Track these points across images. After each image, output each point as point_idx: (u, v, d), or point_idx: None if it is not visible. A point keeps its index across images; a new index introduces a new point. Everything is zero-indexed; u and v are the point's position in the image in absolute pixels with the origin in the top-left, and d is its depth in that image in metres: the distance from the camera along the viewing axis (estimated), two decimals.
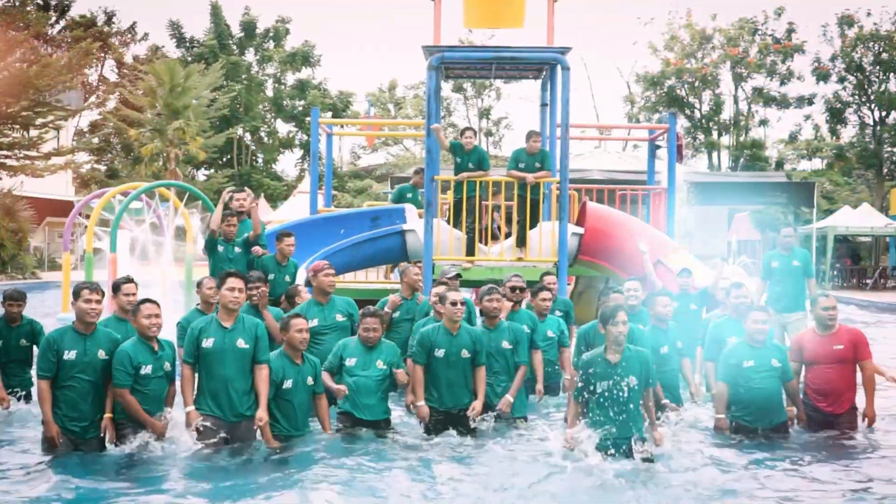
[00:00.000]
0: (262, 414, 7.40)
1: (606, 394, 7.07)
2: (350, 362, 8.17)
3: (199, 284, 9.64)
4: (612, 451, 7.02)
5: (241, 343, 7.51)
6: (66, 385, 7.17)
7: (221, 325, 7.55)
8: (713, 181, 32.35)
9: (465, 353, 8.15)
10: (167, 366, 7.49)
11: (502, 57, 12.97)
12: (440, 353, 8.14)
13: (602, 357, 7.18)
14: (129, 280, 8.38)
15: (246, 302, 9.06)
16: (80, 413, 7.24)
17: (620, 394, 7.07)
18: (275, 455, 7.32)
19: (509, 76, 15.86)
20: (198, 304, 9.57)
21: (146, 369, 7.29)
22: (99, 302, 7.36)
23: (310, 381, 7.82)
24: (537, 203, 12.64)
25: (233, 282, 7.63)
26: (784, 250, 11.68)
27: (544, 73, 14.27)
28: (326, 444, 7.65)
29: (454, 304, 8.30)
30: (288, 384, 7.65)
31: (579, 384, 7.22)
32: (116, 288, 8.32)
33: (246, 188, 11.81)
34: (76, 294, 7.36)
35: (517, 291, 9.42)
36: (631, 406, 7.12)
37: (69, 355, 7.19)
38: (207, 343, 7.46)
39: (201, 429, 7.28)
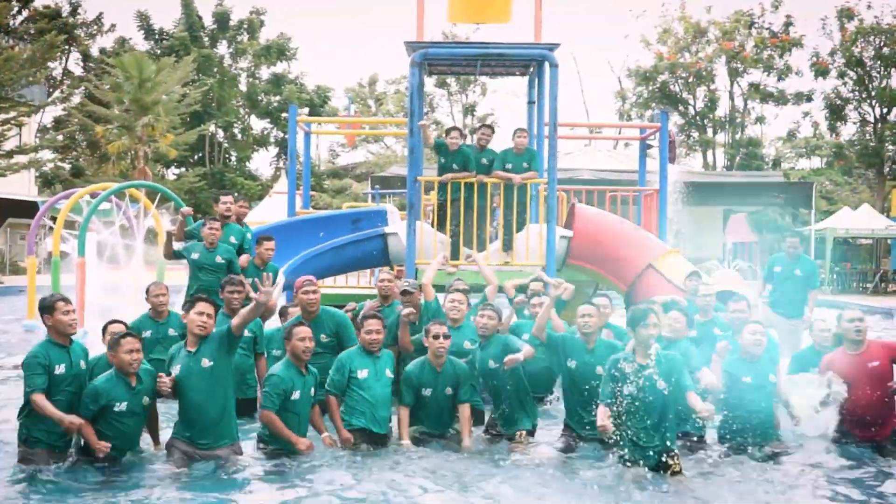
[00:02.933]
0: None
1: (632, 396, 7.19)
2: (362, 374, 8.16)
3: (146, 291, 9.76)
4: (639, 462, 7.17)
5: (205, 362, 7.50)
6: (55, 400, 7.22)
7: (187, 349, 7.61)
8: (708, 181, 32.61)
9: (450, 391, 8.38)
10: (146, 400, 7.51)
11: (488, 53, 13.10)
12: (427, 392, 8.32)
13: (632, 358, 7.31)
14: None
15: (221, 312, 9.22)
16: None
17: (648, 398, 7.17)
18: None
19: (495, 73, 15.97)
20: (149, 310, 9.70)
21: (120, 406, 7.30)
22: (74, 311, 7.49)
23: (312, 391, 7.89)
24: (524, 205, 12.77)
25: (202, 307, 7.62)
26: (790, 257, 11.93)
27: (531, 69, 14.40)
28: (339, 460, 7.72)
29: (437, 337, 8.38)
30: (296, 395, 7.69)
31: (608, 386, 7.34)
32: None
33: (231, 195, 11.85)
34: (50, 309, 7.38)
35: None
36: (661, 413, 7.21)
37: (59, 370, 7.27)
38: (175, 370, 7.53)
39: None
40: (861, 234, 35.43)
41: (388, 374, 8.25)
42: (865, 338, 8.38)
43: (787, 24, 45.84)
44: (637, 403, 7.19)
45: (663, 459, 7.15)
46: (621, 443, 7.29)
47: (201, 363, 7.49)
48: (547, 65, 12.81)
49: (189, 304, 7.84)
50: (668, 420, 7.23)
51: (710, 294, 10.14)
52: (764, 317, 11.28)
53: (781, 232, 30.58)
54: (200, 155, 50.77)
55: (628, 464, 7.22)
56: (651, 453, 7.16)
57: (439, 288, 10.49)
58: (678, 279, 11.57)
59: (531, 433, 8.45)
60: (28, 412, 7.32)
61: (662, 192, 14.64)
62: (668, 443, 7.21)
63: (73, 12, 51.23)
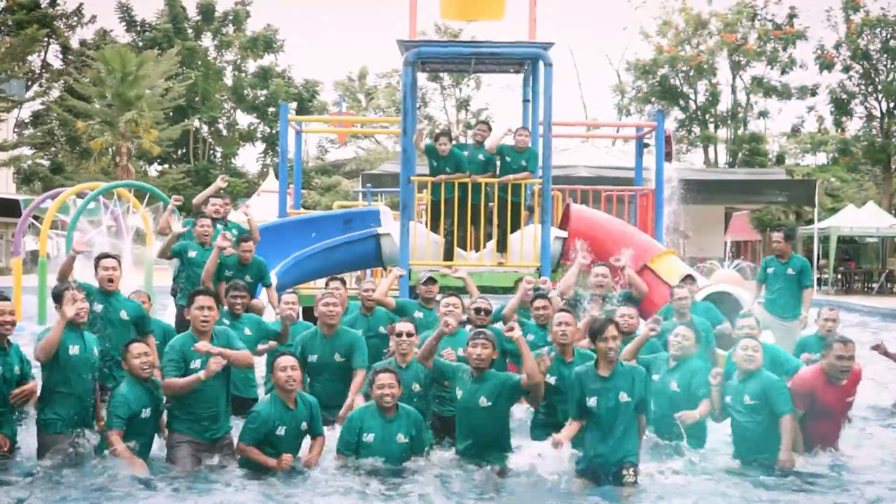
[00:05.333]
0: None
1: (595, 410, 7.46)
2: (367, 438, 7.80)
3: None
4: (599, 474, 7.41)
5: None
6: (69, 386, 7.72)
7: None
8: (709, 178, 33.03)
9: (416, 387, 8.37)
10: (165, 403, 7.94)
11: (482, 52, 13.53)
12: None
13: (593, 371, 7.53)
14: (107, 255, 8.98)
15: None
16: (86, 410, 7.85)
17: (610, 411, 7.43)
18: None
19: (489, 70, 16.41)
20: None
21: (146, 413, 7.70)
22: (83, 299, 7.86)
23: (304, 426, 7.77)
24: (518, 206, 13.14)
25: (202, 300, 7.89)
26: (781, 257, 12.33)
27: (526, 67, 14.78)
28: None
29: (400, 335, 8.56)
30: (281, 431, 7.62)
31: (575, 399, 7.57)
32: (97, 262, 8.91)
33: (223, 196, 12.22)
34: (58, 298, 7.79)
35: (482, 314, 9.19)
36: (622, 426, 7.46)
37: (73, 350, 7.71)
38: (195, 364, 7.76)
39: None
40: (865, 232, 35.83)
41: (402, 439, 7.84)
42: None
43: (791, 16, 46.12)
44: (596, 417, 7.47)
45: (621, 472, 7.35)
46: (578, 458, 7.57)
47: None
48: (541, 63, 13.19)
49: (189, 299, 8.05)
50: (628, 434, 7.47)
51: (686, 297, 10.52)
52: (760, 318, 11.64)
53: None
54: (184, 151, 51.05)
55: (581, 476, 7.47)
56: (608, 465, 7.41)
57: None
58: (674, 280, 11.92)
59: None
60: (41, 397, 7.81)
61: (659, 191, 15.06)
62: (628, 456, 7.42)
63: (53, 3, 51.39)
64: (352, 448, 7.81)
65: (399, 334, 8.59)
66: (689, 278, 11.27)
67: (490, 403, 7.89)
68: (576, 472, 7.55)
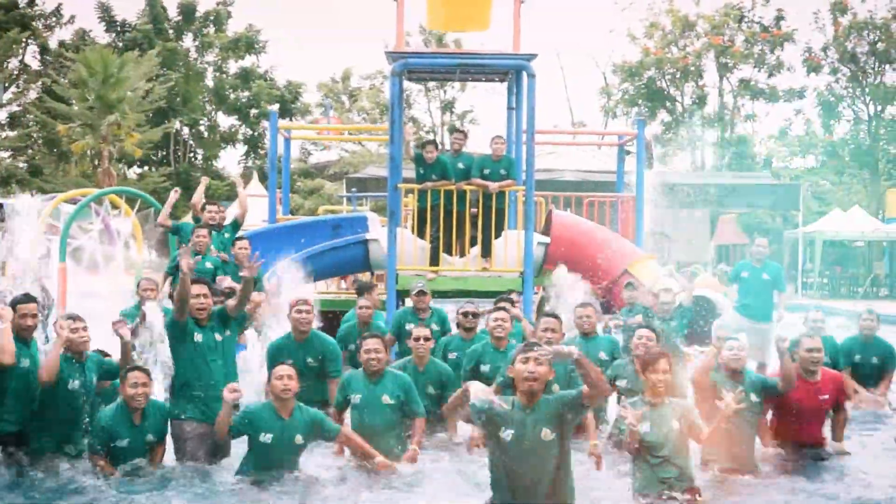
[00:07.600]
0: None
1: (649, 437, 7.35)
2: (354, 399, 8.36)
3: (137, 286, 10.60)
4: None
5: (218, 336, 8.35)
6: (61, 412, 8.10)
7: (199, 326, 8.30)
8: (695, 182, 33.70)
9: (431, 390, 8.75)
10: (150, 437, 8.03)
11: (467, 63, 14.29)
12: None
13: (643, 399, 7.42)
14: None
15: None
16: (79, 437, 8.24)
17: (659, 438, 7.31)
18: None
19: (474, 79, 17.17)
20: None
21: (122, 443, 7.85)
22: (85, 329, 8.18)
23: (299, 439, 7.82)
24: (502, 212, 13.87)
25: (196, 289, 8.25)
26: (756, 262, 13.16)
27: (510, 75, 15.51)
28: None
29: (417, 339, 9.09)
30: (266, 438, 7.72)
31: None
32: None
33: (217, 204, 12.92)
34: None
35: (470, 317, 10.02)
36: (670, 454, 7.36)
37: (73, 385, 8.07)
38: (197, 339, 8.20)
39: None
40: (851, 236, 36.53)
41: (386, 399, 8.34)
42: (820, 368, 8.72)
43: (779, 18, 46.64)
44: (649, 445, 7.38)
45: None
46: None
47: (215, 338, 8.29)
48: (525, 74, 13.91)
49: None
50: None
51: (670, 301, 11.28)
52: (732, 320, 12.46)
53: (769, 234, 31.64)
54: (164, 153, 51.42)
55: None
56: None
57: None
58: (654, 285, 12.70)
59: None
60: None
61: (639, 198, 15.82)
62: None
63: (31, 2, 51.65)
64: (342, 407, 8.51)
65: (416, 339, 9.12)
66: (629, 285, 12.19)
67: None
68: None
